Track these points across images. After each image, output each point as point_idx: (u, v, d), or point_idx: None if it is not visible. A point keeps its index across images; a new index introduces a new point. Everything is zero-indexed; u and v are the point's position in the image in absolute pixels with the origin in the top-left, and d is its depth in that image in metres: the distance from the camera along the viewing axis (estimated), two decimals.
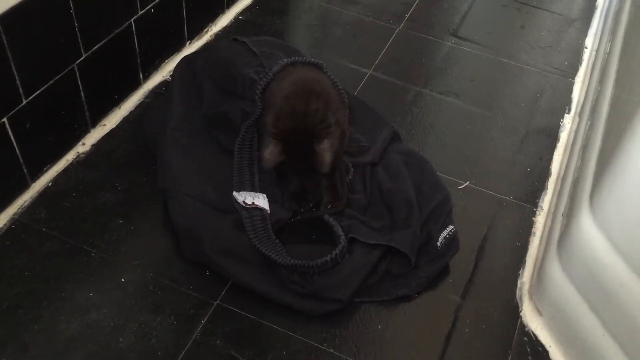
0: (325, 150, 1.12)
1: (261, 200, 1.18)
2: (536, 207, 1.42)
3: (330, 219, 1.19)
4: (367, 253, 1.17)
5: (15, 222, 1.24)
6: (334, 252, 1.13)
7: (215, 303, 1.17)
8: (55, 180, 1.33)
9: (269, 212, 1.18)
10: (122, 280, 1.18)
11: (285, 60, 1.28)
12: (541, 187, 1.47)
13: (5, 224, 1.24)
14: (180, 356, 1.09)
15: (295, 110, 1.15)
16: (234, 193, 1.20)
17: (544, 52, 1.86)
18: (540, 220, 1.39)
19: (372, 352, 1.13)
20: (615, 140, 1.03)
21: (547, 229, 1.32)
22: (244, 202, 1.17)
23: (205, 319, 1.14)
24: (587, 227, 1.04)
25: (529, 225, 1.38)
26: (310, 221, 1.23)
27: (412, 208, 1.25)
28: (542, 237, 1.33)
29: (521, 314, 1.22)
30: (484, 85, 1.74)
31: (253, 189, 1.25)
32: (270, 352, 1.11)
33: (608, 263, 1.00)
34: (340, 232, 1.17)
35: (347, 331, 1.15)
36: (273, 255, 1.12)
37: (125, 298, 1.16)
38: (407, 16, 1.93)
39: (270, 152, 1.12)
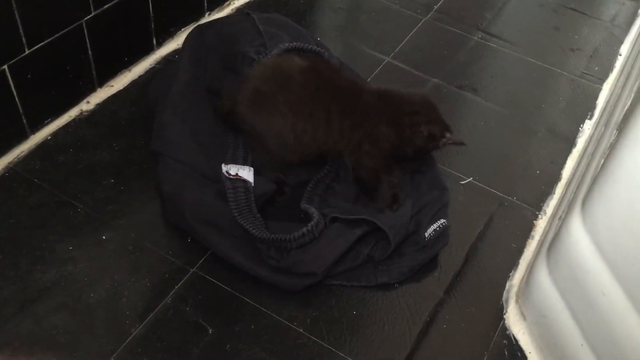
0: None
1: (246, 172, 1.17)
2: (540, 210, 1.36)
3: (307, 206, 1.17)
4: (346, 229, 1.14)
5: (10, 171, 1.26)
6: (309, 225, 1.11)
7: (192, 270, 1.16)
8: (55, 134, 1.34)
9: (252, 184, 1.16)
10: (104, 237, 1.18)
11: (287, 44, 1.27)
12: (548, 191, 1.41)
13: None
14: (148, 318, 1.08)
15: None
16: (222, 164, 1.19)
17: (574, 55, 1.79)
18: (541, 224, 1.33)
19: (342, 336, 1.10)
20: (614, 144, 0.98)
21: (545, 233, 1.27)
22: (227, 172, 1.16)
23: (179, 285, 1.13)
24: (576, 230, 0.99)
25: (528, 228, 1.32)
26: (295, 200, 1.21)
27: (404, 200, 1.21)
28: (540, 241, 1.28)
29: (505, 316, 1.17)
30: (505, 83, 1.68)
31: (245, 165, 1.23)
32: (239, 324, 1.09)
33: (592, 269, 0.95)
34: (313, 210, 1.15)
35: (320, 313, 1.13)
36: (251, 229, 1.11)
37: (103, 255, 1.16)
38: (436, 7, 1.88)
39: None
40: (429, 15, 1.85)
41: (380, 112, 1.21)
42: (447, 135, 1.23)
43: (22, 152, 1.29)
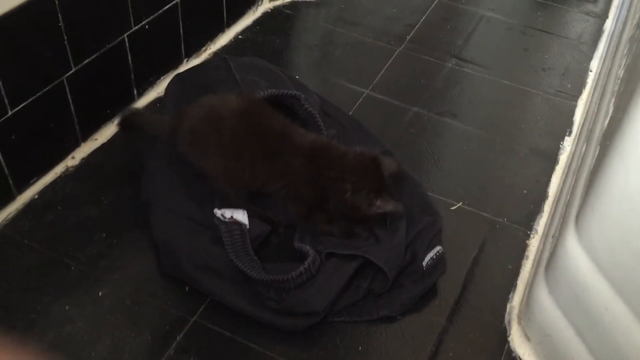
0: None
1: (240, 215, 1.16)
2: (531, 230, 1.38)
3: (300, 245, 1.17)
4: (342, 263, 1.14)
5: None
6: (306, 263, 1.11)
7: (192, 320, 1.14)
8: (42, 192, 1.33)
9: (247, 227, 1.16)
10: (100, 294, 1.17)
11: (262, 93, 1.29)
12: (537, 210, 1.42)
13: None
14: None
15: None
16: (215, 209, 1.19)
17: (546, 74, 1.83)
18: (534, 243, 1.35)
19: None
20: (600, 159, 1.00)
21: (539, 252, 1.28)
22: (222, 215, 1.15)
23: (180, 336, 1.12)
24: (572, 248, 1.00)
25: (522, 248, 1.34)
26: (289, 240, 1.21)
27: (398, 228, 1.22)
28: (534, 260, 1.29)
29: (509, 339, 1.17)
30: (483, 107, 1.71)
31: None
32: None
33: (592, 285, 0.96)
34: (307, 248, 1.15)
35: (326, 351, 1.12)
36: (249, 271, 1.10)
37: (101, 312, 1.14)
38: (408, 37, 1.91)
39: None
40: (403, 45, 1.88)
41: (303, 168, 1.18)
42: (377, 203, 1.16)
43: (9, 213, 1.27)
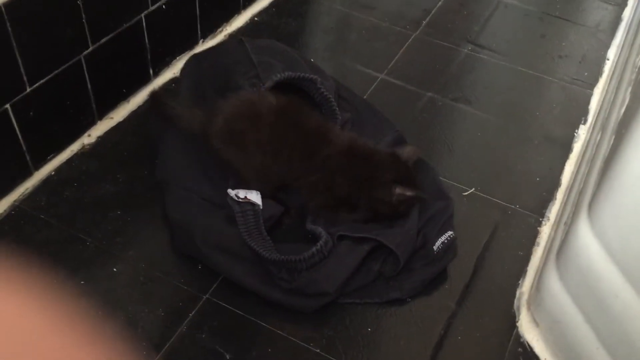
0: None
1: (254, 195, 1.18)
2: (543, 217, 1.38)
3: (313, 227, 1.18)
4: (354, 246, 1.15)
5: (16, 209, 1.26)
6: (319, 244, 1.12)
7: (205, 297, 1.16)
8: (59, 169, 1.35)
9: (261, 207, 1.17)
10: (115, 270, 1.19)
11: (279, 75, 1.29)
12: (550, 198, 1.42)
13: (5, 210, 1.25)
14: (165, 348, 1.08)
15: None
16: (228, 190, 1.20)
17: (563, 62, 1.82)
18: (545, 230, 1.35)
19: (359, 354, 1.11)
20: (615, 147, 1.00)
21: (551, 239, 1.28)
22: (236, 195, 1.17)
23: (193, 313, 1.14)
24: (584, 235, 1.00)
25: (533, 235, 1.34)
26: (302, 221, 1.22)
27: (410, 212, 1.23)
28: (545, 247, 1.29)
29: (517, 324, 1.18)
30: (498, 93, 1.70)
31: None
32: (255, 349, 1.10)
33: (603, 273, 0.96)
34: (320, 230, 1.15)
35: (335, 332, 1.13)
36: (261, 251, 1.12)
37: (115, 288, 1.16)
38: (424, 22, 1.91)
39: None
40: (419, 30, 1.87)
41: (338, 165, 1.20)
42: (397, 191, 1.18)
43: (27, 189, 1.29)
